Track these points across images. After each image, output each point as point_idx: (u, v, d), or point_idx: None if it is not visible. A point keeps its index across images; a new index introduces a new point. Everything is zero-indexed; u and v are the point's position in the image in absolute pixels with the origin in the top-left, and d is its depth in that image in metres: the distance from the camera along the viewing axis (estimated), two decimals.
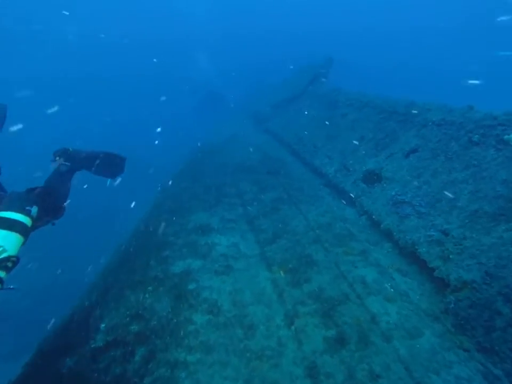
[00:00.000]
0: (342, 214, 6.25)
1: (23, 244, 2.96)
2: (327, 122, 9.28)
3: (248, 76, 25.98)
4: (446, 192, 4.64)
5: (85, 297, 4.57)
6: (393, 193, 5.47)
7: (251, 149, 11.84)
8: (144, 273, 4.52)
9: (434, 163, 5.25)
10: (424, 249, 4.39)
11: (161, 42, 46.16)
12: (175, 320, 3.60)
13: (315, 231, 5.59)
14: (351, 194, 6.48)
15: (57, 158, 4.33)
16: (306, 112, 11.12)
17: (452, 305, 3.56)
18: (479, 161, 4.60)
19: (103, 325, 3.59)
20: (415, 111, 6.24)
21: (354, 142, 7.53)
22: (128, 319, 3.66)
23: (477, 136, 4.81)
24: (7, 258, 2.66)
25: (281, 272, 4.64)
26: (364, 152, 7.00)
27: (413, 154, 5.73)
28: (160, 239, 5.52)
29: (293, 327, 3.68)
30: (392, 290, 4.12)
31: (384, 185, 5.86)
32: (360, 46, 42.13)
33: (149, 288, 4.15)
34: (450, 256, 4.01)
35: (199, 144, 12.79)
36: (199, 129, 19.90)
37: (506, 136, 4.43)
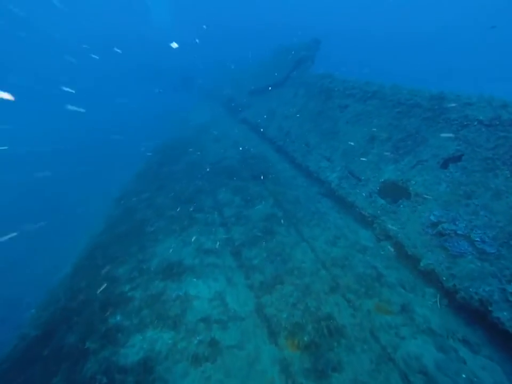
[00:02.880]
0: (356, 239, 4.77)
1: None
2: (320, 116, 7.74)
3: (220, 56, 23.81)
4: None
5: None
6: (432, 217, 4.05)
7: (228, 145, 10.11)
8: (73, 371, 2.78)
9: (491, 178, 3.86)
10: (505, 314, 3.01)
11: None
12: None
13: (329, 270, 4.08)
14: (366, 213, 5.02)
15: None
16: (292, 102, 9.50)
17: None
18: None
19: None
20: (451, 105, 4.82)
21: (362, 142, 6.06)
22: None
23: None
24: None
25: (294, 348, 3.10)
26: (377, 156, 5.53)
27: (454, 164, 4.32)
28: (107, 290, 3.76)
29: None
30: None
31: (416, 204, 4.43)
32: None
33: None
34: None
35: (163, 139, 10.85)
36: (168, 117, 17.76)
37: None
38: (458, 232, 3.69)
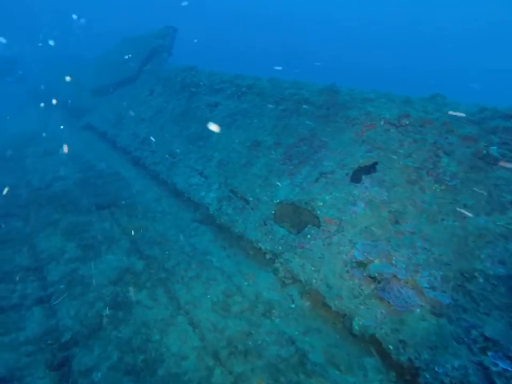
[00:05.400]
0: (256, 292, 3.31)
1: None
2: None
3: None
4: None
5: None
6: (356, 253, 2.92)
7: (64, 159, 7.42)
8: None
9: (418, 194, 2.95)
10: None
11: None
12: None
13: (226, 366, 2.47)
14: (263, 248, 3.63)
15: None
16: (148, 101, 7.53)
17: None
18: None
19: None
20: (347, 100, 3.87)
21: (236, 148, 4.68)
22: None
23: (494, 147, 2.73)
24: None
25: None
26: (266, 167, 4.23)
27: (368, 175, 3.32)
28: None
29: None
30: None
31: (329, 233, 3.25)
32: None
33: None
34: None
35: None
36: None
37: None
38: (398, 275, 2.62)
